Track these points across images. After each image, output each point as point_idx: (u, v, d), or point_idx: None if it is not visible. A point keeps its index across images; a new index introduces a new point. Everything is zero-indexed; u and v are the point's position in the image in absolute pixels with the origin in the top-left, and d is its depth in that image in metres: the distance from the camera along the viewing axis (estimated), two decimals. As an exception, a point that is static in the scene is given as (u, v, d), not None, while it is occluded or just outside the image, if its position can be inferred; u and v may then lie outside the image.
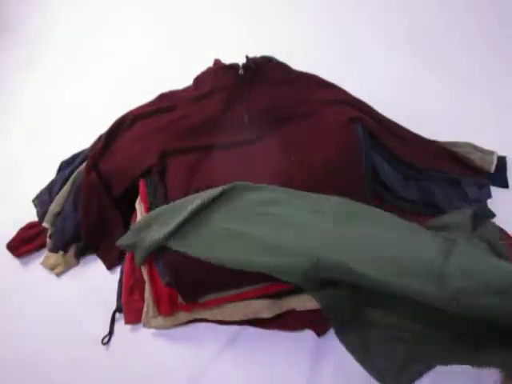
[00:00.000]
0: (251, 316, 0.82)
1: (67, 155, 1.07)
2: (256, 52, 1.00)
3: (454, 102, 1.12)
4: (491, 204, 0.92)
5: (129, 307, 0.87)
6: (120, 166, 0.94)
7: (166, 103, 1.00)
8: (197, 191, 0.86)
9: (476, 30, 1.25)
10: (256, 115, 0.95)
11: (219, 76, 0.98)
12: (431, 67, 1.19)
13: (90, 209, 0.93)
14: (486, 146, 0.98)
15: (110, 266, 0.94)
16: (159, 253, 0.81)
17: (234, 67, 0.97)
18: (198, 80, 1.02)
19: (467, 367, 0.71)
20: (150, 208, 0.89)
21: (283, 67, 1.01)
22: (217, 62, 1.01)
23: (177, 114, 0.97)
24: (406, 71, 1.18)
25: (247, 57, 0.97)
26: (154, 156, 0.91)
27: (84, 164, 0.98)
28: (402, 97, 1.13)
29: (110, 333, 0.87)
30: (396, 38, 1.26)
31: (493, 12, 1.28)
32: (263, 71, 0.98)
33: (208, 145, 0.93)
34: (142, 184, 0.92)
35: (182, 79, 1.03)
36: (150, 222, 0.83)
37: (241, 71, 0.97)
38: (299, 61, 1.03)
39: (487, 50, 1.21)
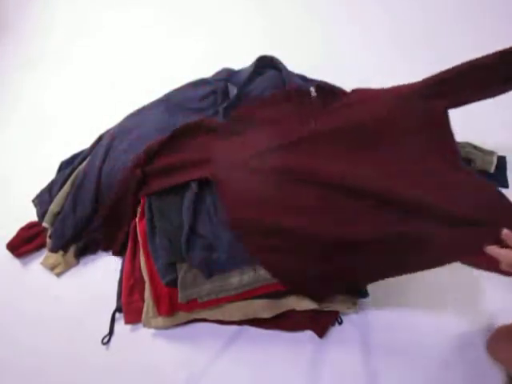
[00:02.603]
0: (251, 316, 0.82)
1: (67, 155, 1.07)
2: (258, 51, 1.00)
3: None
4: (491, 204, 0.92)
5: (129, 307, 0.87)
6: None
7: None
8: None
9: (486, 29, 1.25)
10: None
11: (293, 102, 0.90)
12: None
13: (124, 199, 0.92)
14: (486, 146, 0.98)
15: (115, 251, 0.95)
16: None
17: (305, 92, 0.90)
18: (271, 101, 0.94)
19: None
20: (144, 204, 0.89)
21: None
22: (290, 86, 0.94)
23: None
24: (416, 70, 1.18)
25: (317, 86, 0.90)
26: None
27: (84, 164, 0.99)
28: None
29: (110, 333, 0.87)
30: (409, 37, 1.26)
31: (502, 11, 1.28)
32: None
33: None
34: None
35: (182, 78, 1.03)
36: None
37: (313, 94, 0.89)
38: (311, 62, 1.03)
39: (489, 50, 1.20)
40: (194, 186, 0.87)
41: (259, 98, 0.94)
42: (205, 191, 0.89)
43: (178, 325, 0.85)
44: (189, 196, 0.86)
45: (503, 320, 0.81)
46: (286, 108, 0.90)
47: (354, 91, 0.90)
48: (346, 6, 1.35)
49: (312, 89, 0.89)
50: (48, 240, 0.95)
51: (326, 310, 0.82)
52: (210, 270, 0.81)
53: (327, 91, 0.90)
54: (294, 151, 0.83)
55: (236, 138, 0.90)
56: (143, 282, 0.86)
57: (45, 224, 0.95)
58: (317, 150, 0.83)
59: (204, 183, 0.89)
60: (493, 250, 0.63)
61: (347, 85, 1.02)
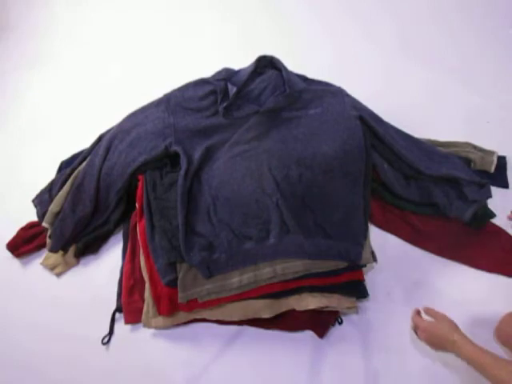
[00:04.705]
0: (251, 316, 0.82)
1: (67, 155, 1.07)
2: (255, 51, 1.00)
3: (455, 101, 1.12)
4: (491, 204, 0.92)
5: (129, 307, 0.87)
6: None
7: None
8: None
9: (486, 29, 1.24)
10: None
11: None
12: (431, 67, 1.19)
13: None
14: (486, 146, 0.98)
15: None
16: None
17: None
18: None
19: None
20: (144, 204, 0.90)
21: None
22: None
23: None
24: (416, 70, 1.18)
25: None
26: None
27: (84, 164, 0.99)
28: (404, 97, 1.13)
29: (110, 333, 0.87)
30: (411, 37, 1.26)
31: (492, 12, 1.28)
32: None
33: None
34: (140, 180, 0.93)
35: (182, 78, 1.03)
36: None
37: None
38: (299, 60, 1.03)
39: (489, 50, 1.21)
40: (181, 180, 0.88)
41: None
42: (204, 190, 0.89)
43: (177, 325, 0.85)
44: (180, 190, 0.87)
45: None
46: None
47: None
48: (348, 7, 1.35)
49: None
50: (48, 240, 0.95)
51: (325, 310, 0.83)
52: (210, 270, 0.81)
53: None
54: None
55: None
56: (143, 282, 0.86)
57: (45, 224, 0.95)
58: None
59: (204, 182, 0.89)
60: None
61: (348, 84, 1.02)
